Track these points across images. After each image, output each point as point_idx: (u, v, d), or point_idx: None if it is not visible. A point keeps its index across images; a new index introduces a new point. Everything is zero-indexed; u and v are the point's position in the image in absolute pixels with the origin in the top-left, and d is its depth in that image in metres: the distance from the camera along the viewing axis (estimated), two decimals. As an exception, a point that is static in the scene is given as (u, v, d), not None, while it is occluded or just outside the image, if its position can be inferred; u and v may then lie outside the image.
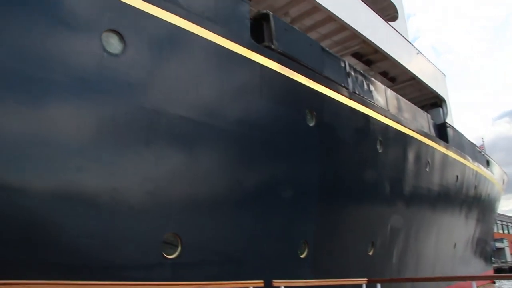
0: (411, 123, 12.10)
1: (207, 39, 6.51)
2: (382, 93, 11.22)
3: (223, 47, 6.72)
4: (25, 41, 4.83)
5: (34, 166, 4.75)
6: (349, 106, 9.48)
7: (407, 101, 12.81)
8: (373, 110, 10.25)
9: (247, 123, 7.02)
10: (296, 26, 9.76)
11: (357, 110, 9.73)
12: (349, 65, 10.13)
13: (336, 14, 10.51)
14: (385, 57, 13.16)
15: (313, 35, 11.76)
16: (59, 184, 4.94)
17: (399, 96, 12.28)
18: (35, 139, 4.79)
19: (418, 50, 15.33)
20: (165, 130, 5.90)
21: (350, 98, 9.53)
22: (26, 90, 4.76)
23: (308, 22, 11.45)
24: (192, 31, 6.33)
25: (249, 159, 7.11)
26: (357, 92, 9.91)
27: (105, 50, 5.42)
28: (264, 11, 8.02)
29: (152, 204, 5.72)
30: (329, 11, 10.34)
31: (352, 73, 10.07)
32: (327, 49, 9.70)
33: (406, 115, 12.10)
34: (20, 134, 4.69)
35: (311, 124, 8.28)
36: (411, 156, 11.76)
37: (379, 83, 11.44)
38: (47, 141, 4.87)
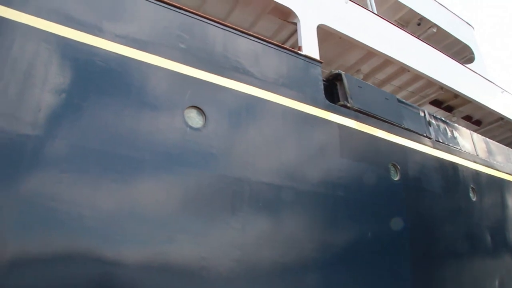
0: (506, 166, 11.27)
1: (284, 105, 6.72)
2: (468, 138, 10.67)
3: (299, 111, 6.88)
4: (116, 124, 5.32)
5: (126, 239, 5.02)
6: (434, 156, 9.09)
7: (498, 143, 12.03)
8: (460, 157, 9.73)
9: (330, 183, 6.95)
10: (369, 82, 9.76)
11: (443, 159, 9.29)
12: (429, 113, 9.83)
13: (409, 65, 10.36)
14: (467, 100, 12.59)
15: (387, 88, 11.65)
16: (150, 255, 5.14)
17: (487, 139, 11.58)
18: (127, 213, 5.10)
19: (502, 89, 14.53)
20: (249, 197, 6.00)
21: (434, 148, 9.17)
22: (118, 170, 5.17)
23: (381, 76, 11.38)
24: (268, 99, 6.58)
25: (334, 220, 6.96)
26: (440, 141, 9.52)
27: (188, 125, 5.79)
28: (336, 71, 8.15)
29: (240, 271, 5.73)
30: (401, 63, 10.24)
31: (433, 122, 9.75)
32: (404, 101, 9.53)
33: (499, 158, 11.31)
34: (114, 209, 5.03)
35: (396, 179, 8.01)
36: (511, 201, 10.86)
37: (464, 128, 10.92)
38: (137, 215, 5.15)
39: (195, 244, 5.46)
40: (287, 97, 6.84)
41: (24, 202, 4.61)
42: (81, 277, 4.68)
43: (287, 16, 8.53)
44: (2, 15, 5.18)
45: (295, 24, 8.34)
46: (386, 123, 8.26)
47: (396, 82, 11.84)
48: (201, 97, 6.03)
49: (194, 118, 5.88)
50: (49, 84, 5.14)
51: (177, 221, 5.41)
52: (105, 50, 5.63)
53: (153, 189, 5.36)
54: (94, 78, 5.43)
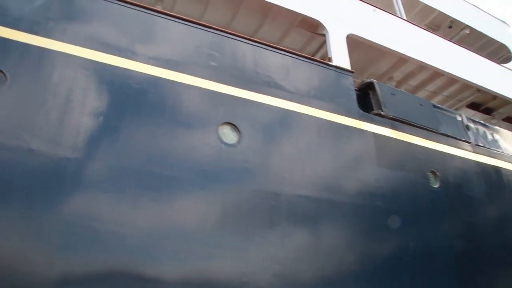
0: (553, 169, 10.78)
1: (317, 117, 6.69)
2: (510, 140, 10.29)
3: (333, 122, 6.83)
4: (152, 144, 5.44)
5: (166, 256, 5.07)
6: (475, 161, 8.80)
7: None
8: (503, 160, 9.38)
9: (367, 194, 6.84)
10: (402, 89, 9.61)
11: (485, 163, 8.99)
12: (467, 117, 9.56)
13: (443, 69, 10.14)
14: (507, 101, 12.17)
15: (422, 93, 11.42)
16: (191, 272, 5.18)
17: (532, 140, 11.12)
18: (166, 231, 5.17)
19: (545, 87, 13.94)
20: (287, 211, 5.98)
21: (475, 152, 8.88)
22: (156, 189, 5.27)
23: (414, 82, 11.18)
24: (301, 112, 6.58)
25: (374, 231, 6.83)
26: (481, 144, 9.22)
27: (222, 141, 5.85)
28: (368, 80, 8.07)
29: (280, 285, 5.67)
30: (434, 67, 10.04)
31: (472, 125, 9.46)
32: (439, 106, 9.32)
33: (547, 160, 10.83)
34: (153, 227, 5.11)
35: (436, 186, 7.80)
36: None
37: (506, 130, 10.54)
38: (177, 232, 5.22)
39: (234, 260, 5.47)
40: (320, 109, 6.82)
41: (67, 223, 4.76)
42: None
43: (316, 28, 8.54)
44: (43, 46, 5.43)
45: (324, 35, 8.34)
46: (422, 130, 8.08)
47: (431, 87, 11.59)
48: (234, 113, 6.10)
49: (228, 135, 5.94)
50: (87, 108, 5.33)
51: (216, 237, 5.43)
52: (139, 72, 5.80)
53: (191, 206, 5.42)
54: (130, 100, 5.60)
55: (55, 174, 4.91)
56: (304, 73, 7.12)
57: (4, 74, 5.11)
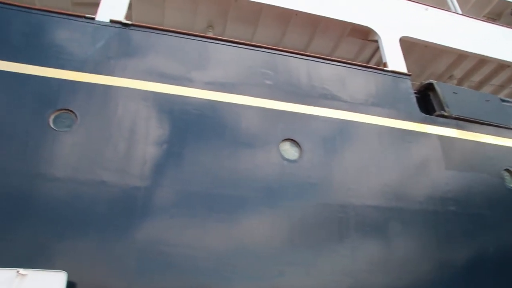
0: None
1: (378, 124, 6.58)
2: None
3: (395, 128, 6.68)
4: (216, 166, 5.59)
5: (238, 276, 5.13)
6: (555, 154, 8.21)
7: None
8: None
9: (438, 198, 6.57)
10: (464, 86, 9.22)
11: None
12: (540, 109, 8.95)
13: (508, 59, 9.61)
14: None
15: (487, 89, 10.86)
16: None
17: None
18: (236, 251, 5.24)
19: None
20: (355, 223, 5.87)
21: (552, 146, 8.28)
22: (223, 210, 5.38)
23: (477, 77, 10.65)
24: (361, 121, 6.50)
25: (449, 236, 6.53)
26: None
27: (284, 158, 5.90)
28: (427, 81, 7.82)
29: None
30: (498, 59, 9.53)
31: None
32: (508, 99, 8.81)
33: None
34: (223, 248, 5.20)
35: (513, 185, 7.36)
36: None
37: None
38: (246, 252, 5.28)
39: (306, 276, 5.42)
40: (380, 116, 6.70)
41: (141, 250, 4.97)
42: None
43: (367, 35, 8.44)
44: (107, 83, 5.80)
45: (376, 41, 8.22)
46: (491, 127, 7.67)
47: (496, 81, 10.99)
48: (293, 129, 6.14)
49: (289, 151, 5.99)
50: (151, 138, 5.59)
51: (286, 254, 5.43)
52: (197, 98, 6.01)
53: (259, 224, 5.47)
54: (190, 125, 5.80)
55: (127, 203, 5.18)
56: (360, 82, 7.04)
57: (75, 114, 5.50)
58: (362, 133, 6.49)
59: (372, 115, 6.64)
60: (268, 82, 6.42)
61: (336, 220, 5.78)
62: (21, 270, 4.28)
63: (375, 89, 7.01)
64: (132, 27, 6.41)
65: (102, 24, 6.31)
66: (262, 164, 5.78)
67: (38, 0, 8.15)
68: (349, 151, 6.31)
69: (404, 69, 7.65)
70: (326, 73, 6.88)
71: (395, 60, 7.73)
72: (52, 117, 5.47)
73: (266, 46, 6.75)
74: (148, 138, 5.58)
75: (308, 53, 7.03)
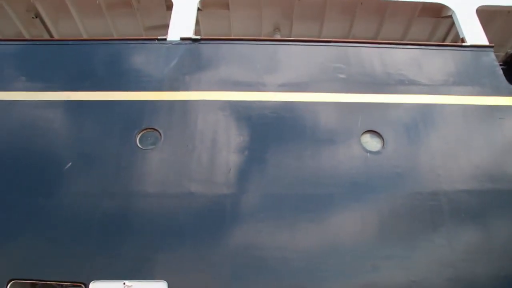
0: None
1: (462, 104, 6.25)
2: None
3: (481, 105, 6.29)
4: (299, 167, 5.64)
5: (332, 274, 5.11)
6: None
7: None
8: None
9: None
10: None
11: None
12: None
13: None
14: None
15: None
16: (359, 286, 5.14)
17: None
18: (328, 249, 5.22)
19: None
20: (449, 209, 5.62)
21: None
22: (311, 209, 5.41)
23: None
24: (443, 102, 6.21)
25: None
26: None
27: (367, 150, 5.80)
28: (512, 50, 7.27)
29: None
30: None
31: None
32: None
33: None
34: (315, 247, 5.23)
35: None
36: None
37: None
38: (338, 249, 5.26)
39: (401, 269, 5.27)
40: (464, 95, 6.34)
41: (234, 255, 5.15)
42: None
43: (439, 12, 8.01)
44: (185, 99, 6.10)
45: (450, 17, 7.77)
46: None
47: None
48: (373, 119, 6.02)
49: (371, 142, 5.88)
50: (232, 146, 5.78)
51: (378, 248, 5.32)
52: (273, 101, 6.10)
53: (348, 220, 5.43)
54: (270, 129, 5.91)
55: (216, 211, 5.40)
56: (437, 62, 6.72)
57: (159, 132, 5.85)
58: (446, 115, 6.20)
59: (455, 95, 6.32)
60: (341, 76, 6.36)
61: (428, 209, 5.56)
62: (127, 282, 4.66)
63: (455, 67, 6.65)
64: (201, 41, 6.67)
65: (174, 43, 6.64)
66: (345, 159, 5.73)
67: (114, 30, 8.71)
68: (434, 135, 6.05)
69: (484, 41, 7.16)
70: (400, 58, 6.66)
71: (474, 33, 7.26)
72: (138, 136, 5.87)
73: (335, 40, 6.71)
74: (230, 147, 5.77)
75: (379, 41, 6.86)
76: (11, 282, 4.99)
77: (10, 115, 6.17)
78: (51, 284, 5.42)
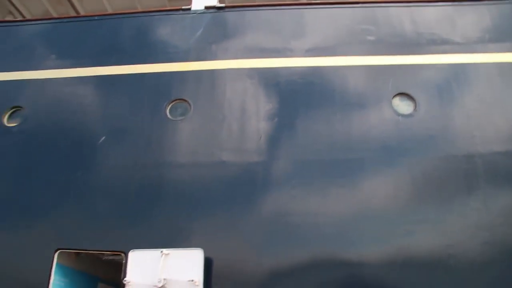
0: None
1: (498, 62, 5.98)
2: None
3: (520, 63, 6.01)
4: (329, 132, 5.61)
5: (365, 240, 5.09)
6: None
7: None
8: None
9: None
10: None
11: None
12: None
13: None
14: None
15: None
16: (391, 252, 5.08)
17: None
18: (360, 214, 5.20)
19: None
20: (484, 172, 5.47)
21: None
22: (342, 175, 5.37)
23: None
24: (478, 61, 5.97)
25: None
26: None
27: (398, 114, 5.67)
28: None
29: (493, 254, 5.15)
30: None
31: None
32: None
33: None
34: (347, 213, 5.22)
35: None
36: None
37: None
38: (370, 214, 5.21)
39: (436, 233, 5.18)
40: (502, 52, 6.05)
41: (267, 223, 5.21)
42: (332, 283, 4.95)
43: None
44: (212, 68, 6.08)
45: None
46: None
47: None
48: (404, 82, 5.86)
49: (403, 105, 5.74)
50: (261, 113, 5.76)
51: (412, 212, 5.25)
52: (301, 67, 6.01)
53: (380, 185, 5.36)
54: (298, 95, 5.85)
55: (248, 179, 5.45)
56: (472, 18, 6.40)
57: (189, 103, 5.89)
58: (481, 74, 5.96)
59: (491, 52, 6.03)
60: (370, 38, 6.17)
61: (462, 172, 5.43)
62: (164, 250, 4.81)
63: (491, 23, 6.33)
64: (226, 9, 6.59)
65: (198, 12, 6.57)
66: (376, 123, 5.63)
67: (139, 3, 8.69)
68: (469, 96, 5.84)
69: (524, -7, 6.75)
70: (432, 16, 6.39)
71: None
72: (168, 108, 5.93)
73: (362, 1, 6.47)
74: (259, 114, 5.76)
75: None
76: (58, 252, 5.27)
77: (44, 94, 6.34)
78: (93, 253, 5.70)
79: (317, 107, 5.75)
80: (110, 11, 8.60)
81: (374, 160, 5.47)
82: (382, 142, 5.53)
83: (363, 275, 4.97)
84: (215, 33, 6.42)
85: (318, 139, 5.57)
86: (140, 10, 6.89)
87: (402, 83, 5.85)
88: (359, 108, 5.73)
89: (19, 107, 6.27)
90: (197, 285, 4.58)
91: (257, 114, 5.77)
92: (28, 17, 8.78)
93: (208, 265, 4.78)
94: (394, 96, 5.77)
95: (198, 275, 4.64)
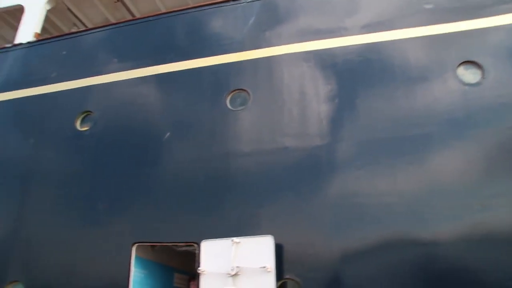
0: None
1: None
2: None
3: None
4: (393, 109, 5.42)
5: (438, 217, 4.88)
6: None
7: None
8: None
9: None
10: None
11: None
12: None
13: None
14: None
15: None
16: (466, 228, 4.84)
17: None
18: (432, 191, 4.98)
19: None
20: None
21: None
22: (409, 152, 5.17)
23: None
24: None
25: None
26: None
27: (464, 83, 5.36)
28: None
29: None
30: None
31: None
32: None
33: None
34: (418, 190, 5.01)
35: None
36: None
37: None
38: (442, 190, 4.97)
39: None
40: None
41: (335, 205, 5.14)
42: (405, 263, 4.77)
43: None
44: (268, 55, 6.08)
45: None
46: None
47: None
48: (469, 49, 5.51)
49: (468, 74, 5.40)
50: (321, 96, 5.68)
51: (486, 186, 4.95)
52: (357, 44, 5.85)
53: (450, 159, 5.10)
54: (357, 74, 5.71)
55: (312, 163, 5.40)
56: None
57: (247, 92, 5.93)
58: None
59: None
60: (428, 6, 5.86)
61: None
62: (235, 239, 4.91)
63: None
64: None
65: (248, 1, 6.58)
66: (441, 96, 5.36)
67: (190, -1, 8.87)
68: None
69: None
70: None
71: None
72: (228, 99, 6.01)
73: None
74: (319, 97, 5.69)
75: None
76: (135, 245, 5.55)
77: (110, 97, 6.68)
78: (167, 245, 5.95)
79: (377, 84, 5.59)
80: (163, 10, 8.84)
81: (441, 133, 5.21)
82: (449, 115, 5.25)
83: (438, 254, 4.76)
84: (267, 19, 6.41)
85: (381, 117, 5.41)
86: (191, 5, 6.99)
87: (466, 50, 5.50)
88: (421, 81, 5.48)
89: (89, 111, 6.66)
90: (270, 271, 4.64)
91: (317, 97, 5.71)
92: (89, 26, 9.24)
93: (279, 251, 4.82)
94: (459, 65, 5.44)
95: (269, 261, 4.69)
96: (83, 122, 6.66)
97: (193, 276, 5.74)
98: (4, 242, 6.22)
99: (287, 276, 4.86)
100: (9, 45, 8.24)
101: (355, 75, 5.71)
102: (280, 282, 4.78)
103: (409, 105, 5.40)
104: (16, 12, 8.92)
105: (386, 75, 5.61)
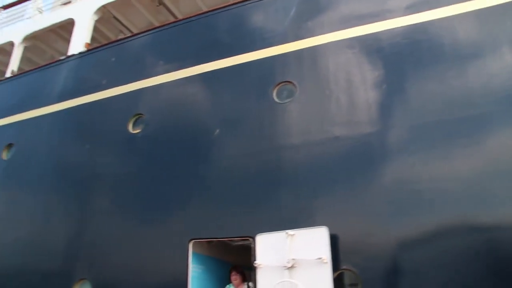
0: None
1: None
2: None
3: None
4: (445, 90, 5.19)
5: (500, 200, 4.61)
6: None
7: None
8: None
9: None
10: None
11: None
12: None
13: None
14: None
15: None
16: None
17: None
18: (492, 174, 4.73)
19: None
20: None
21: None
22: (465, 134, 4.93)
23: None
24: None
25: None
26: None
27: None
28: None
29: None
30: None
31: None
32: None
33: None
34: (476, 174, 4.77)
35: None
36: None
37: None
38: (502, 171, 4.70)
39: None
40: None
41: (391, 192, 5.00)
42: (466, 249, 4.57)
43: None
44: (312, 45, 6.00)
45: None
46: None
47: None
48: None
49: None
50: (368, 82, 5.54)
51: None
52: (403, 26, 5.65)
53: (510, 139, 4.80)
54: (405, 57, 5.52)
55: (364, 151, 5.28)
56: None
57: (293, 84, 5.89)
58: None
59: None
60: None
61: None
62: (289, 231, 4.90)
63: None
64: None
65: None
66: (497, 72, 5.06)
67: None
68: None
69: None
70: None
71: None
72: (274, 92, 5.99)
73: None
74: (366, 83, 5.56)
75: None
76: (192, 242, 5.68)
77: (159, 98, 6.86)
78: (223, 240, 6.04)
79: (427, 65, 5.36)
80: (204, 9, 8.92)
81: (499, 113, 4.92)
82: (506, 92, 4.95)
83: (501, 238, 4.50)
84: (308, 9, 6.33)
85: (433, 100, 5.18)
86: (231, 2, 7.02)
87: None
88: (474, 58, 5.20)
89: (140, 114, 6.87)
90: (326, 262, 4.60)
91: (364, 84, 5.57)
92: (134, 31, 9.50)
93: (334, 241, 4.76)
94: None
95: (325, 252, 4.64)
96: (135, 125, 6.88)
97: (234, 266, 5.83)
98: (72, 243, 6.57)
99: (344, 267, 4.79)
100: (63, 57, 8.67)
101: (402, 58, 5.52)
102: (337, 273, 4.71)
103: (462, 84, 5.15)
104: (68, 26, 9.34)
105: (436, 55, 5.37)
